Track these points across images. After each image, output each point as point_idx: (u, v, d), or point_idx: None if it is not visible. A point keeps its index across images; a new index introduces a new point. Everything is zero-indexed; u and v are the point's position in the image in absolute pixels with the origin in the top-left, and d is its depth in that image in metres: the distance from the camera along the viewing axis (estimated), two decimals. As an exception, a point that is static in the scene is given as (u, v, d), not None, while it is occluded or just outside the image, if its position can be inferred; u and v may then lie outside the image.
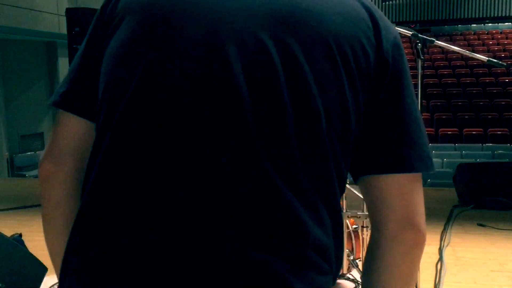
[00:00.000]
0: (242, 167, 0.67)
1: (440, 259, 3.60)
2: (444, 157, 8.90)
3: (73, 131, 0.80)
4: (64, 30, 5.38)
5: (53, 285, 2.58)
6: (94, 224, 0.71)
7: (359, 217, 2.37)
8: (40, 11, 8.13)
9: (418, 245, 0.78)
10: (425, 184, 7.06)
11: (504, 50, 15.51)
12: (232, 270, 0.66)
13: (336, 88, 0.70)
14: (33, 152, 9.19)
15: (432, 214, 4.73)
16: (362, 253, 2.44)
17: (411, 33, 2.58)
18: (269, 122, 0.68)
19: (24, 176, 8.77)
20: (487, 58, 2.64)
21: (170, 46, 0.70)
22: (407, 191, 0.77)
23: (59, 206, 0.82)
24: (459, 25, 19.11)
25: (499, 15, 17.91)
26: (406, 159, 0.76)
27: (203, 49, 0.69)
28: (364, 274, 0.84)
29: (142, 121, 0.69)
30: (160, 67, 0.70)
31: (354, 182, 0.82)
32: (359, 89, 0.73)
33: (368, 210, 0.82)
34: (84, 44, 0.82)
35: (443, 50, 15.15)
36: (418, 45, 2.48)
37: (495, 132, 10.59)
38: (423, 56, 2.46)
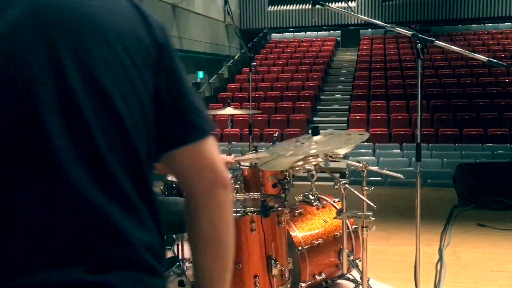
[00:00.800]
0: (50, 177, 0.69)
1: (440, 259, 3.60)
2: (444, 157, 8.90)
3: None
4: (64, 30, 5.36)
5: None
6: None
7: (359, 217, 2.36)
8: (40, 11, 8.14)
9: (228, 186, 0.90)
10: (425, 184, 7.05)
11: (504, 50, 15.49)
12: None
13: (128, 83, 0.77)
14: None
15: (432, 214, 4.72)
16: (362, 253, 2.44)
17: (411, 33, 2.58)
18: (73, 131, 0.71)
19: (24, 176, 8.77)
20: (487, 58, 2.64)
21: None
22: (208, 151, 0.89)
23: None
24: (459, 25, 19.09)
25: (499, 15, 17.89)
26: (200, 127, 0.88)
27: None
28: (189, 234, 0.91)
29: None
30: None
31: (156, 161, 0.88)
32: (148, 76, 0.80)
33: (178, 178, 0.93)
34: None
35: (443, 50, 15.13)
36: (418, 45, 2.48)
37: (495, 132, 10.57)
38: (423, 56, 2.46)
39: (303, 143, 2.45)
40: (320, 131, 2.47)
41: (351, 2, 19.09)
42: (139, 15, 0.83)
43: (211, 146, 0.89)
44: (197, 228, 0.89)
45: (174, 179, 3.12)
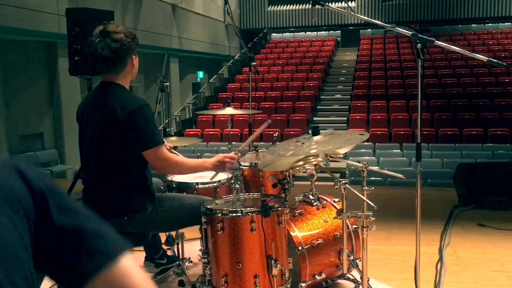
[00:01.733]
0: None
1: (440, 259, 3.60)
2: (444, 157, 8.89)
3: None
4: (64, 30, 5.37)
5: (52, 286, 2.58)
6: None
7: (359, 217, 2.36)
8: (40, 11, 8.10)
9: None
10: (425, 184, 7.05)
11: (504, 50, 15.50)
12: None
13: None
14: (33, 153, 9.14)
15: (432, 214, 4.73)
16: (362, 253, 2.44)
17: (411, 33, 2.58)
18: None
19: (24, 176, 8.74)
20: (487, 58, 2.64)
21: None
22: (127, 271, 0.80)
23: None
24: (459, 25, 19.10)
25: (499, 15, 17.90)
26: (107, 250, 0.80)
27: None
28: None
29: None
30: None
31: None
32: (24, 227, 0.75)
33: None
34: None
35: (443, 50, 15.14)
36: (418, 45, 2.48)
37: (495, 132, 10.57)
38: (423, 56, 2.47)
39: (303, 143, 2.45)
40: (320, 131, 2.47)
41: (351, 2, 19.09)
42: (13, 169, 0.77)
43: (130, 265, 0.80)
44: None
45: (174, 178, 3.12)
